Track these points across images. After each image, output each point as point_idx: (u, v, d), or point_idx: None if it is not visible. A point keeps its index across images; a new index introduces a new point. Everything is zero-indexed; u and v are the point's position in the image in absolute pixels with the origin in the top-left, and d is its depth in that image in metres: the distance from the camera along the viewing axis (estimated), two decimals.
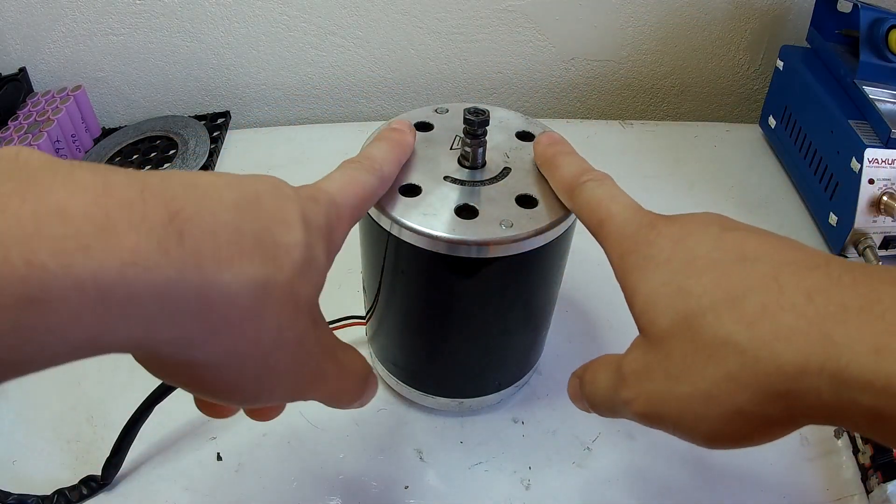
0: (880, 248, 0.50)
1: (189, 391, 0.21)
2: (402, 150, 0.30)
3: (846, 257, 0.50)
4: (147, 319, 0.16)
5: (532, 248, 0.30)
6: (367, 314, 0.39)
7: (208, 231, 0.18)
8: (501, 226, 0.29)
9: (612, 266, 0.25)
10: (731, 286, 0.20)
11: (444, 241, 0.29)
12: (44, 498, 0.34)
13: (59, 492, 0.34)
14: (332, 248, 0.23)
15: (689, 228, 0.23)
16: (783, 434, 0.20)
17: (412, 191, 0.31)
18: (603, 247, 0.26)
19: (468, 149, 0.31)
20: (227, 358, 0.19)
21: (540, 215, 0.30)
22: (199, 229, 0.17)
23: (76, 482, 0.35)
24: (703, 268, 0.21)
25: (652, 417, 0.22)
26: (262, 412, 0.26)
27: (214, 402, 0.24)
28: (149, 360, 0.18)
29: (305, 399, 0.23)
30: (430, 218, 0.29)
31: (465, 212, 0.30)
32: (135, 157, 0.59)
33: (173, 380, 0.19)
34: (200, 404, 0.24)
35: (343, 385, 0.25)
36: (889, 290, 0.17)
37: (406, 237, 0.29)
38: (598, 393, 0.25)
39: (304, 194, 0.22)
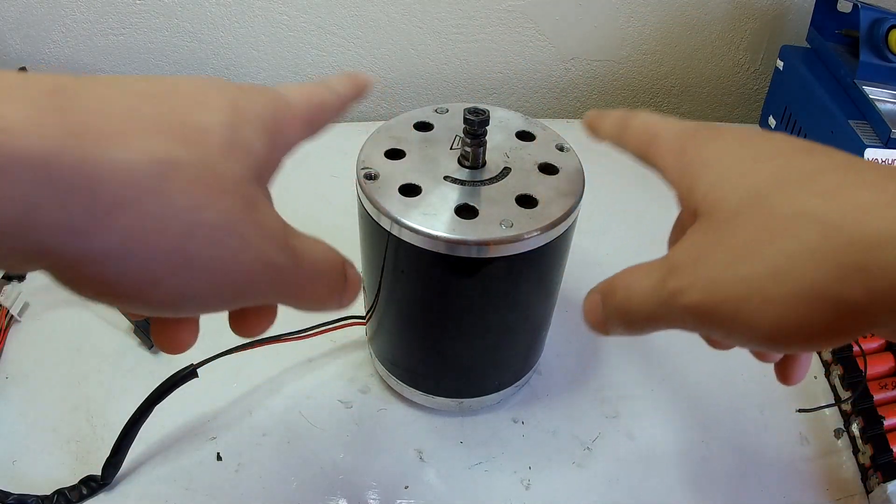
0: None
1: (105, 302, 0.19)
2: (355, 78, 0.28)
3: None
4: (24, 196, 0.15)
5: (532, 248, 0.30)
6: (367, 314, 0.39)
7: (96, 109, 0.17)
8: (501, 226, 0.29)
9: (664, 173, 0.24)
10: (804, 167, 0.20)
11: (444, 240, 0.29)
12: (44, 498, 0.34)
13: (59, 492, 0.35)
14: (280, 143, 0.22)
15: (746, 131, 0.23)
16: (846, 338, 0.19)
17: (412, 191, 0.31)
18: (654, 162, 0.25)
19: (468, 149, 0.31)
20: (128, 245, 0.17)
21: (540, 215, 0.30)
22: (85, 107, 0.16)
23: (76, 482, 0.35)
24: (771, 154, 0.21)
25: (706, 308, 0.20)
26: (247, 322, 0.23)
27: (144, 315, 0.21)
28: (50, 264, 0.17)
29: (259, 301, 0.21)
30: (430, 218, 0.29)
31: (465, 212, 0.30)
32: None
33: (81, 288, 0.18)
34: (156, 335, 0.22)
35: (305, 280, 0.22)
36: None
37: (406, 237, 0.29)
38: (637, 295, 0.22)
39: (246, 87, 0.21)
